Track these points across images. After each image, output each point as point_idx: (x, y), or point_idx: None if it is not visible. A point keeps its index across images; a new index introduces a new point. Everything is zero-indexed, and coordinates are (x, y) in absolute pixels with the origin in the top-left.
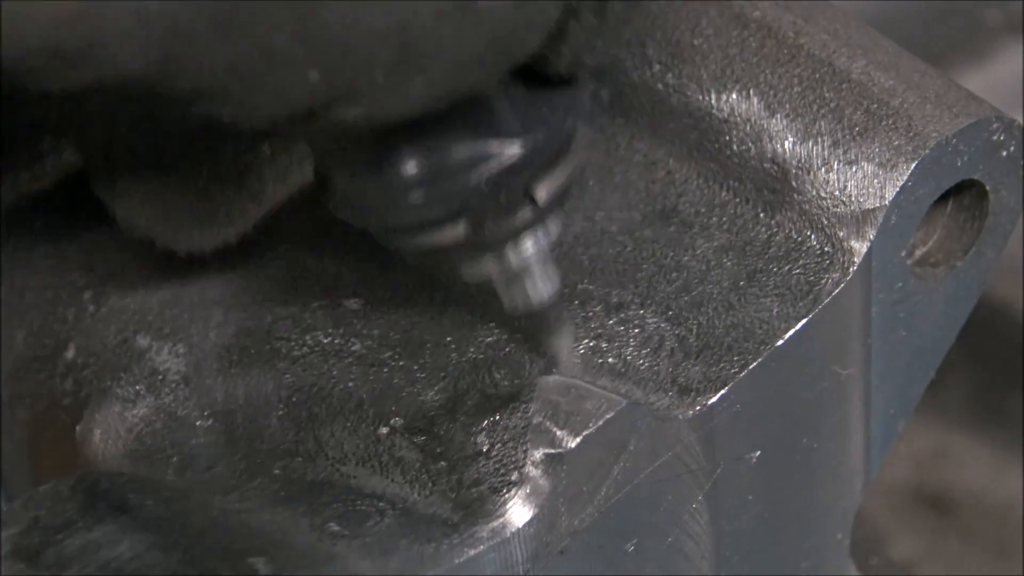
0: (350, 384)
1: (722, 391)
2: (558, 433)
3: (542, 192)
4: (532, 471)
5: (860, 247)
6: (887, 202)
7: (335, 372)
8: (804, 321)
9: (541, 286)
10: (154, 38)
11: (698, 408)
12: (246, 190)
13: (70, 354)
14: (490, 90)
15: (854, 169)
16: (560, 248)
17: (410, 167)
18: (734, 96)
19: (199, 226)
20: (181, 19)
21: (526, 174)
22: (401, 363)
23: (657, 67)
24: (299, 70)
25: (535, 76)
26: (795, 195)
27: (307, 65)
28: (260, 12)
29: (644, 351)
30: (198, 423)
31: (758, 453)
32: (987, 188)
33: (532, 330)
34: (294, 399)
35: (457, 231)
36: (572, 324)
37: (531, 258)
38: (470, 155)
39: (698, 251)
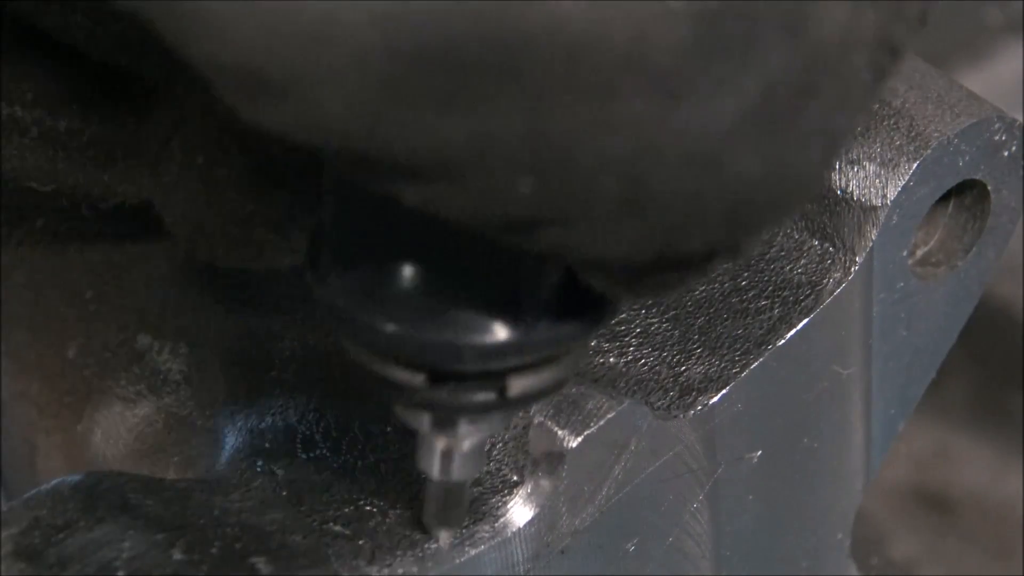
0: (350, 384)
1: (723, 391)
2: (559, 433)
3: (516, 386)
4: (533, 471)
5: (861, 247)
6: (888, 202)
7: (336, 372)
8: (805, 321)
9: (460, 467)
10: (370, 88)
11: (699, 408)
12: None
13: (71, 353)
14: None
15: (855, 169)
16: None
17: (405, 280)
18: None
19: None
20: (403, 77)
21: (512, 361)
22: None
23: None
24: (513, 172)
25: (576, 282)
26: None
27: (524, 169)
28: (489, 95)
29: (645, 351)
30: (199, 423)
31: (759, 453)
32: (988, 188)
33: (428, 500)
34: (295, 398)
35: (413, 379)
36: (467, 515)
37: (466, 439)
38: (471, 317)
39: None
